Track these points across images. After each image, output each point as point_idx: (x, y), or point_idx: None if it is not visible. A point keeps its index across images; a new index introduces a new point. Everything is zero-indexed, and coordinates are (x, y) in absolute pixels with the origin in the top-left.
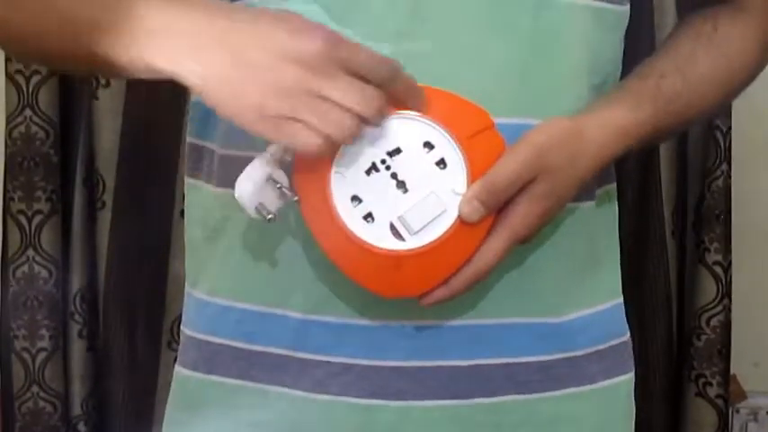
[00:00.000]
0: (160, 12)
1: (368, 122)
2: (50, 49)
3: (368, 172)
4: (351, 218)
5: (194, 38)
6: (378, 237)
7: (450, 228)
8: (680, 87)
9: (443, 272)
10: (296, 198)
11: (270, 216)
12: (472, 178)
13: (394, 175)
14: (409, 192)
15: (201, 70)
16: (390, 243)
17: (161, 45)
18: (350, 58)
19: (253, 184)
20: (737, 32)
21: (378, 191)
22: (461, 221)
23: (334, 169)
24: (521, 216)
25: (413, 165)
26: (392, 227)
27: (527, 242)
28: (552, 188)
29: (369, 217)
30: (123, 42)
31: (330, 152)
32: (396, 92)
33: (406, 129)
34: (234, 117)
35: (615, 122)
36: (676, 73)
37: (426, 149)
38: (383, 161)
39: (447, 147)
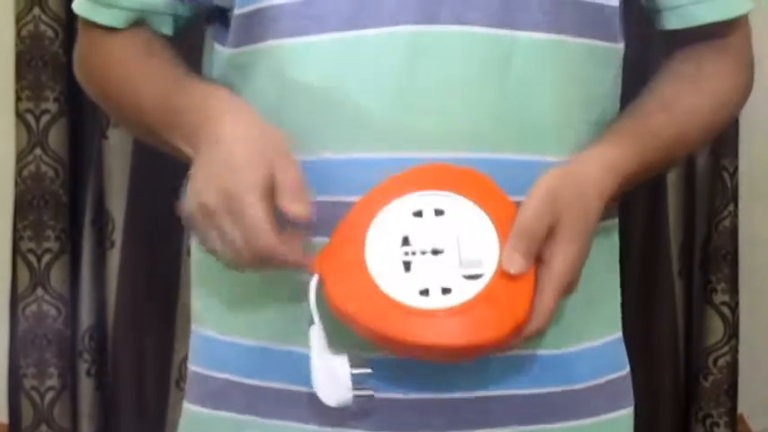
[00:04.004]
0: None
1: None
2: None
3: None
4: (405, 295)
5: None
6: (433, 302)
7: (494, 278)
8: (665, 125)
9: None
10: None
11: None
12: (502, 232)
13: (425, 251)
14: (445, 254)
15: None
16: (447, 302)
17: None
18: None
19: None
20: (720, 73)
21: (419, 267)
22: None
23: (367, 259)
24: (561, 263)
25: (435, 233)
26: (443, 290)
27: (572, 290)
28: (576, 226)
29: (423, 293)
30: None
31: (239, 264)
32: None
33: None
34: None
35: (603, 160)
36: (662, 110)
37: (439, 216)
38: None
39: (463, 207)
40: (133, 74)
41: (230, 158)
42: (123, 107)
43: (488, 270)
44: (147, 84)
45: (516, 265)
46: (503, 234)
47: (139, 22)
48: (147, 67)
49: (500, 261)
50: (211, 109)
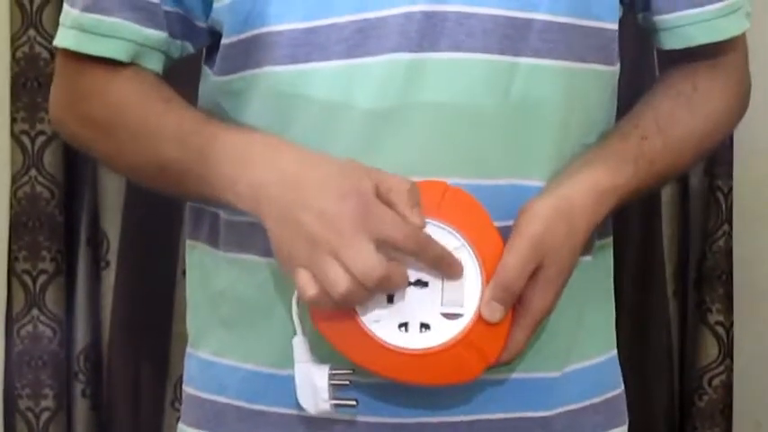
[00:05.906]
0: (243, 167)
1: (368, 290)
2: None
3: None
4: (384, 328)
5: (264, 190)
6: (410, 339)
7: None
8: (660, 148)
9: (481, 357)
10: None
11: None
12: (486, 271)
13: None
14: (429, 288)
15: (266, 222)
16: (424, 341)
17: (243, 195)
18: (377, 229)
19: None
20: (715, 91)
21: (402, 299)
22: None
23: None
24: (539, 304)
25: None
26: (422, 325)
27: (547, 317)
28: (558, 268)
29: (402, 326)
30: (213, 189)
31: (325, 305)
32: (425, 262)
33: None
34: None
35: (599, 186)
36: (657, 134)
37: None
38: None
39: (451, 239)
40: (151, 121)
41: (323, 173)
42: (132, 153)
43: (468, 311)
44: (168, 132)
45: (495, 314)
46: (487, 273)
47: (134, 62)
48: (165, 114)
49: (479, 304)
50: (257, 143)
